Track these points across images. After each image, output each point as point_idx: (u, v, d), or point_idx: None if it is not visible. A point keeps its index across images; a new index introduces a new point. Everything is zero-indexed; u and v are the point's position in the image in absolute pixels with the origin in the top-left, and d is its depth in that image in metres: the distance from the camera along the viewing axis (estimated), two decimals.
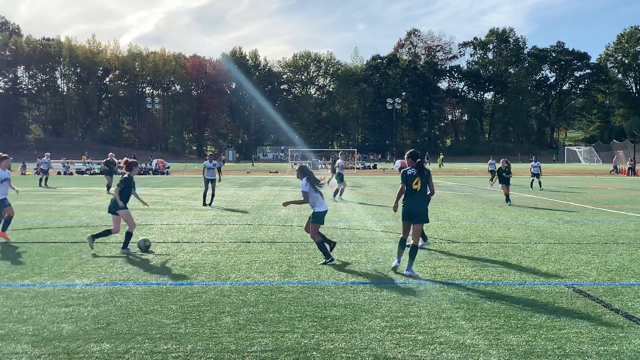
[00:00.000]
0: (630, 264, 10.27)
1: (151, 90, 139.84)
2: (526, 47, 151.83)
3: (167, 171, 56.13)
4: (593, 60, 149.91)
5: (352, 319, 6.92)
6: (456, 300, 7.77)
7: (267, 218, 17.35)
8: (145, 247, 11.49)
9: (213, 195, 21.71)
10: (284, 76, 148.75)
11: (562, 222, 16.40)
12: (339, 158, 26.37)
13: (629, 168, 56.96)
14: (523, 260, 10.64)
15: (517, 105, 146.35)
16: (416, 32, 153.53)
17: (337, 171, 25.14)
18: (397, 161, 69.87)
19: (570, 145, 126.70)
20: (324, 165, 69.90)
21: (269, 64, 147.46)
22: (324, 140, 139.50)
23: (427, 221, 9.52)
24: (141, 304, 7.54)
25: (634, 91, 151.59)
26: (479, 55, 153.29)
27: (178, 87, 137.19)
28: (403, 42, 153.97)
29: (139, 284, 8.67)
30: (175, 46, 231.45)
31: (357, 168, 68.43)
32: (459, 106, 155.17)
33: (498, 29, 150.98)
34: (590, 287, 8.54)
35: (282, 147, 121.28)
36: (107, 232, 11.56)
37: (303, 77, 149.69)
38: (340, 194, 24.39)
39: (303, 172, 10.40)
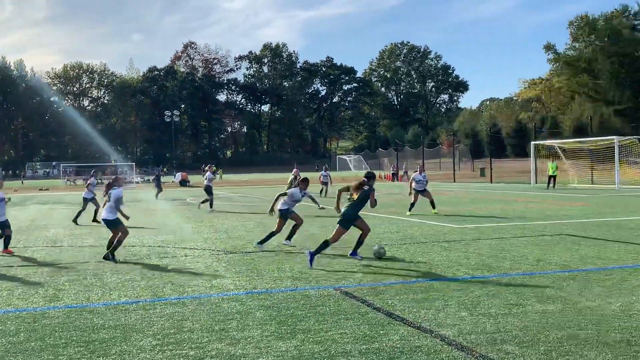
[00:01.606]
0: (391, 264, 11.05)
1: None
2: (298, 62, 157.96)
3: None
4: (359, 74, 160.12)
5: (121, 340, 6.67)
6: (230, 311, 7.81)
7: (35, 239, 16.20)
8: None
9: None
10: (54, 88, 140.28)
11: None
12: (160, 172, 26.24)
13: (393, 174, 61.53)
14: (296, 265, 11.01)
15: (293, 117, 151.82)
16: (193, 45, 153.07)
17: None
18: (177, 174, 68.89)
19: (341, 154, 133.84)
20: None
21: (36, 75, 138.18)
22: (100, 154, 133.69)
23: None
24: None
25: (396, 103, 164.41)
26: (254, 69, 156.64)
27: None
28: (180, 54, 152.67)
29: None
30: None
31: (135, 182, 66.47)
32: (238, 118, 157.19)
33: (271, 43, 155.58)
34: (355, 288, 9.05)
35: (54, 163, 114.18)
36: None
37: (75, 89, 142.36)
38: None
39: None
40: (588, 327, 6.67)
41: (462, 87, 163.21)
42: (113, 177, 13.31)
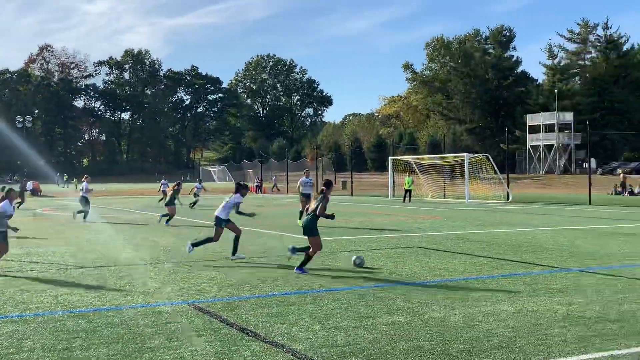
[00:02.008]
0: (248, 277, 10.99)
1: None
2: (162, 69, 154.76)
3: None
4: (225, 85, 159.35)
5: None
6: (75, 329, 7.43)
7: None
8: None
9: None
10: None
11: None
12: (84, 181, 25.25)
13: (257, 186, 61.53)
14: (149, 281, 10.68)
15: (155, 126, 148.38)
16: (49, 48, 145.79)
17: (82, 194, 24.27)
18: (28, 183, 65.03)
19: (205, 165, 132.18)
20: None
21: None
22: None
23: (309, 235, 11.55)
24: None
25: (261, 115, 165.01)
26: (115, 75, 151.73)
27: None
28: (35, 57, 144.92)
29: None
30: None
31: None
32: (96, 125, 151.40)
33: (133, 49, 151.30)
34: (209, 303, 8.90)
35: None
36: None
37: None
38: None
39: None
40: (433, 338, 6.92)
41: (326, 101, 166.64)
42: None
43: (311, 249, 11.58)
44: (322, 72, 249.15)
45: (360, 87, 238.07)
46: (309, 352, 6.46)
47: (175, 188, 23.98)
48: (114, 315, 8.19)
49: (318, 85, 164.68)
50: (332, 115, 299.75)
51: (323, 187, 11.87)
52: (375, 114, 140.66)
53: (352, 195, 50.41)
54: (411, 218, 25.49)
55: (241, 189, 13.32)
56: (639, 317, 7.81)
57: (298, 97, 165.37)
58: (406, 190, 39.44)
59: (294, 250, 11.98)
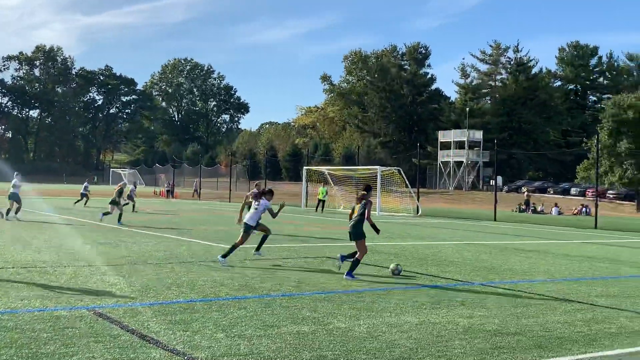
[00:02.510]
0: (154, 283, 10.72)
1: None
2: (74, 67, 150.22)
3: None
4: (140, 87, 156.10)
5: None
6: None
7: None
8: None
9: None
10: None
11: (97, 243, 16.40)
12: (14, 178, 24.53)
13: (168, 190, 60.47)
14: (49, 284, 10.25)
15: (65, 125, 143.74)
16: None
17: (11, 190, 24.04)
18: None
19: (116, 167, 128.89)
20: None
21: None
22: None
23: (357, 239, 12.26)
24: None
25: (176, 119, 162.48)
26: (24, 71, 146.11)
27: None
28: None
29: None
30: None
31: None
32: (2, 122, 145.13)
33: (45, 45, 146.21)
34: (111, 309, 8.61)
35: None
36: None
37: None
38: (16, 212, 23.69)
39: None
40: (336, 348, 6.93)
41: (243, 108, 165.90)
42: None
43: (359, 254, 12.15)
44: (240, 80, 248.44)
45: (277, 96, 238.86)
46: None
47: (119, 189, 24.51)
48: (8, 319, 7.80)
49: (235, 92, 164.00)
50: (248, 122, 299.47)
51: (364, 192, 12.36)
52: (292, 124, 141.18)
53: None
54: (323, 228, 25.62)
55: (266, 194, 14.16)
56: (536, 331, 8.08)
57: (215, 102, 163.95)
58: (320, 200, 39.69)
59: (343, 258, 12.47)
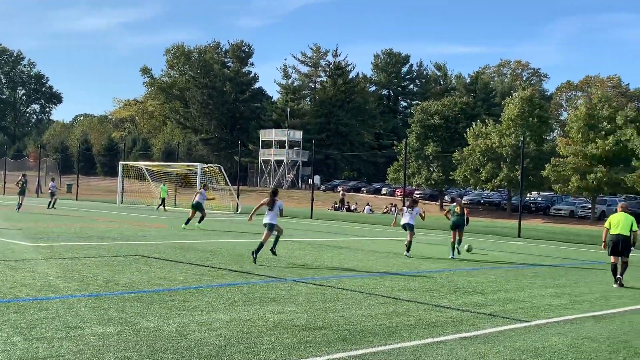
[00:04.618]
0: None
1: None
2: None
3: None
4: None
5: None
6: None
7: None
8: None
9: None
10: None
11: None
12: None
13: None
14: None
15: None
16: None
17: None
18: None
19: None
20: None
21: None
22: None
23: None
24: None
25: None
26: None
27: None
28: None
29: None
30: None
31: None
32: None
33: None
34: None
35: None
36: None
37: None
38: None
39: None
40: (143, 348, 6.74)
41: (55, 98, 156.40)
42: None
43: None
44: (53, 68, 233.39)
45: (94, 88, 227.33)
46: None
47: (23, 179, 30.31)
48: None
49: (47, 80, 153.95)
50: (61, 114, 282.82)
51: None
52: (109, 117, 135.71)
53: (77, 199, 47.85)
54: (136, 226, 24.89)
55: (278, 193, 15.85)
56: (341, 324, 8.40)
57: (24, 91, 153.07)
58: (162, 199, 38.88)
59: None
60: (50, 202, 34.19)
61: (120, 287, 10.48)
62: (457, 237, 18.66)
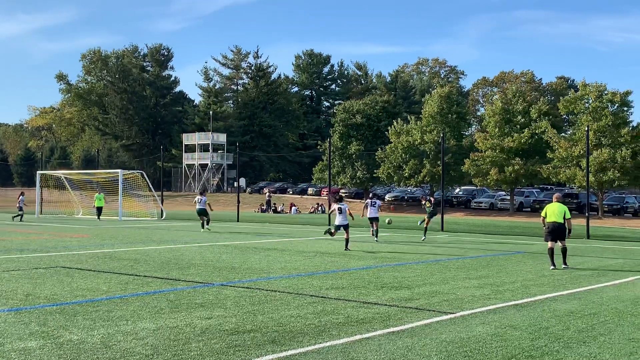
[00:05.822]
0: None
1: None
2: None
3: None
4: None
5: None
6: None
7: None
8: None
9: None
10: None
11: None
12: None
13: None
14: None
15: None
16: None
17: None
18: None
19: None
20: None
21: None
22: None
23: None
24: None
25: None
26: None
27: None
28: None
29: None
30: None
31: None
32: None
33: None
34: None
35: None
36: None
37: None
38: None
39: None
40: None
41: None
42: None
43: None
44: None
45: (7, 96, 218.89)
46: None
47: None
48: None
49: None
50: None
51: (431, 198, 19.95)
52: (25, 125, 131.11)
53: None
54: (56, 236, 24.15)
55: (343, 199, 21.80)
56: (271, 326, 8.40)
57: None
58: (98, 208, 37.70)
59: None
60: (19, 215, 35.56)
61: (42, 300, 10.15)
62: (426, 225, 24.58)
